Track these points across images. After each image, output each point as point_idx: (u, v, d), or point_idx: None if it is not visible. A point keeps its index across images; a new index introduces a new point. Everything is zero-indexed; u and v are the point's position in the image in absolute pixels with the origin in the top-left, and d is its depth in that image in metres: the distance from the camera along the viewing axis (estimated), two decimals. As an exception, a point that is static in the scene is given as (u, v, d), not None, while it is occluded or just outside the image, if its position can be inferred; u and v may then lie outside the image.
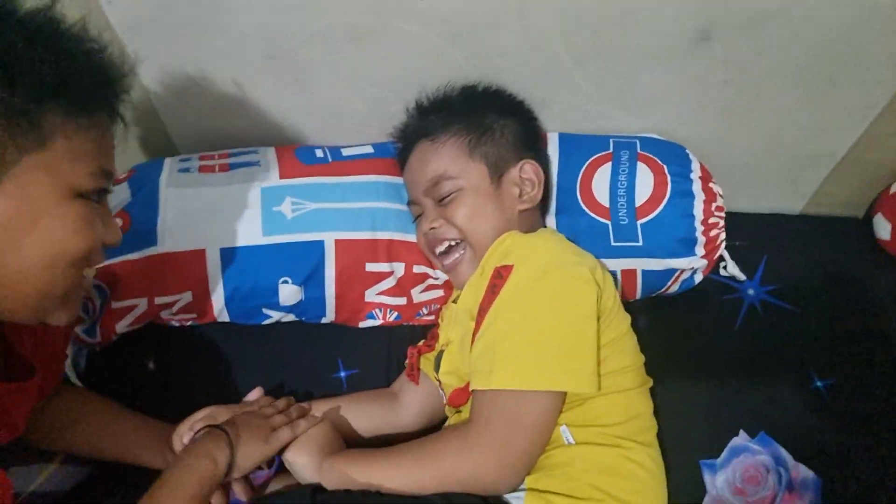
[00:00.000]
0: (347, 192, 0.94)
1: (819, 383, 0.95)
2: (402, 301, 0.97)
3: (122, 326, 0.91)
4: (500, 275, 0.73)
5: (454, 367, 0.82)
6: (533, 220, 0.89)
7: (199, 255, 0.89)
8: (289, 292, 0.93)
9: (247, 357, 0.98)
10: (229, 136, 1.05)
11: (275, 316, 0.96)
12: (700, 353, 0.97)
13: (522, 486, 0.69)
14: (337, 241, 0.92)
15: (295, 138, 1.05)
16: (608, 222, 0.93)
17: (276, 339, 0.99)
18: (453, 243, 0.86)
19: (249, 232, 0.91)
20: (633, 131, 1.01)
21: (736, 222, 0.99)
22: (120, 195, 0.91)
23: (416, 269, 0.94)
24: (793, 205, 1.16)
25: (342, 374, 0.98)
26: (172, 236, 0.89)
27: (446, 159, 0.86)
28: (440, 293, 0.98)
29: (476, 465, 0.67)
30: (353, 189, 0.94)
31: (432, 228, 0.87)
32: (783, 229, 1.11)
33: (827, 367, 0.96)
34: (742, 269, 1.02)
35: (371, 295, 0.96)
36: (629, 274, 0.94)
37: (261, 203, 0.92)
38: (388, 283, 0.95)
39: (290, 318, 0.97)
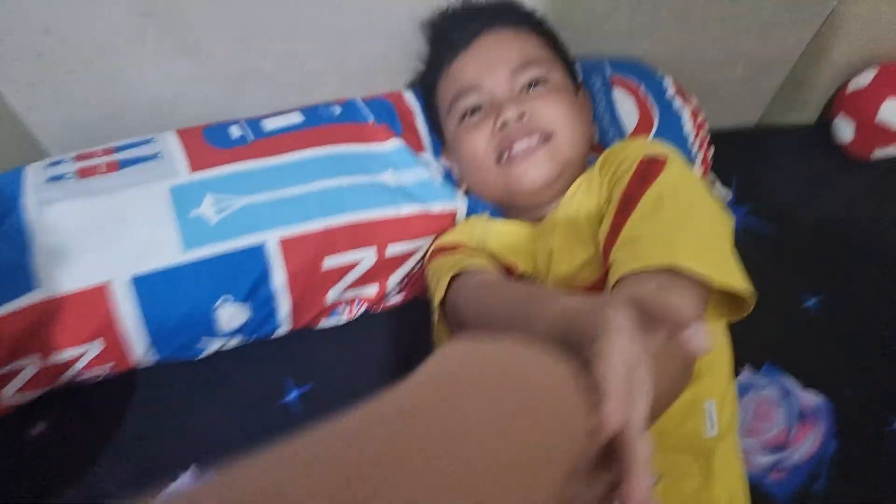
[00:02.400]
0: (284, 176, 0.74)
1: (809, 302, 0.90)
2: (374, 290, 0.80)
3: (7, 396, 0.68)
4: (655, 160, 0.60)
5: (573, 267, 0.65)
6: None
7: (101, 291, 0.67)
8: (230, 314, 0.73)
9: (162, 403, 0.76)
10: (111, 123, 0.81)
11: (215, 345, 0.76)
12: None
13: None
14: (283, 241, 0.72)
15: (197, 116, 0.82)
16: None
17: (203, 371, 0.78)
18: (545, 135, 0.70)
19: (165, 249, 0.69)
20: (583, 55, 0.87)
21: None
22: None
23: (392, 249, 0.77)
24: (750, 117, 1.10)
25: (294, 394, 0.79)
26: (56, 273, 0.66)
27: (534, 48, 0.74)
28: (416, 266, 0.82)
29: None
30: (291, 171, 0.74)
31: (521, 116, 0.69)
32: (746, 145, 1.06)
33: (814, 284, 0.92)
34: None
35: (336, 293, 0.78)
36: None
37: (173, 208, 0.70)
38: (356, 275, 0.77)
39: (237, 341, 0.78)
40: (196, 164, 0.73)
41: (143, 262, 0.68)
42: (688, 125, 0.83)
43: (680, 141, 0.82)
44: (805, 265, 0.94)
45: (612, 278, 0.54)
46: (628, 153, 0.64)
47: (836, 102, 1.04)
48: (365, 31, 0.82)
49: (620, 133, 0.81)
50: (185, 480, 0.70)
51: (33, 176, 0.71)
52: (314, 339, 0.82)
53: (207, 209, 0.71)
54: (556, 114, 0.70)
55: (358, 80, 0.86)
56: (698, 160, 0.83)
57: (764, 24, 0.94)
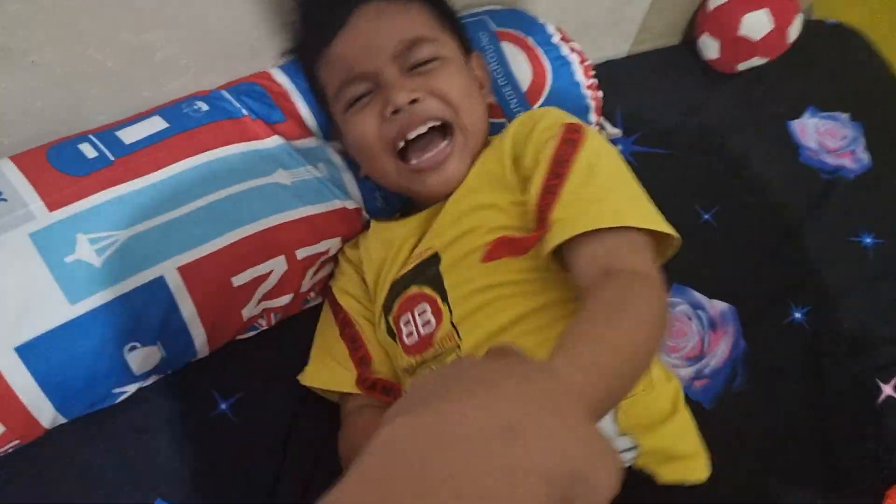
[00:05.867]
0: (165, 198, 0.65)
1: (706, 216, 0.95)
2: (289, 298, 0.75)
3: None
4: (577, 128, 0.62)
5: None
6: None
7: (-16, 371, 0.58)
8: (142, 357, 0.66)
9: (100, 448, 0.69)
10: None
11: (131, 389, 0.69)
12: None
13: (631, 445, 0.59)
14: (181, 269, 0.65)
15: (30, 137, 0.69)
16: (505, 121, 0.78)
17: (129, 408, 0.71)
18: (437, 124, 0.65)
19: (47, 308, 0.60)
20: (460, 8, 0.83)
21: None
22: None
23: (302, 252, 0.71)
24: (618, 49, 1.10)
25: (223, 406, 0.75)
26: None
27: (418, 21, 0.68)
28: (330, 268, 0.78)
29: (659, 287, 0.53)
30: (170, 189, 0.66)
31: (414, 101, 0.64)
32: (619, 75, 1.05)
33: (708, 198, 0.96)
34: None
35: (250, 309, 0.72)
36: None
37: (41, 258, 0.60)
38: (268, 286, 0.72)
39: (154, 379, 0.71)
40: (52, 200, 0.62)
41: (23, 328, 0.59)
42: (578, 72, 0.82)
43: (573, 88, 0.81)
44: (697, 181, 0.97)
45: (561, 235, 0.56)
46: (549, 120, 0.64)
47: (699, 22, 1.06)
48: (219, 7, 0.72)
49: (516, 90, 0.78)
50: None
51: None
52: (234, 351, 0.76)
53: (84, 252, 0.62)
54: (451, 95, 0.65)
55: (219, 64, 0.76)
56: (593, 105, 0.83)
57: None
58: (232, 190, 0.68)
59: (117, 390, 0.68)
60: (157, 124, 0.70)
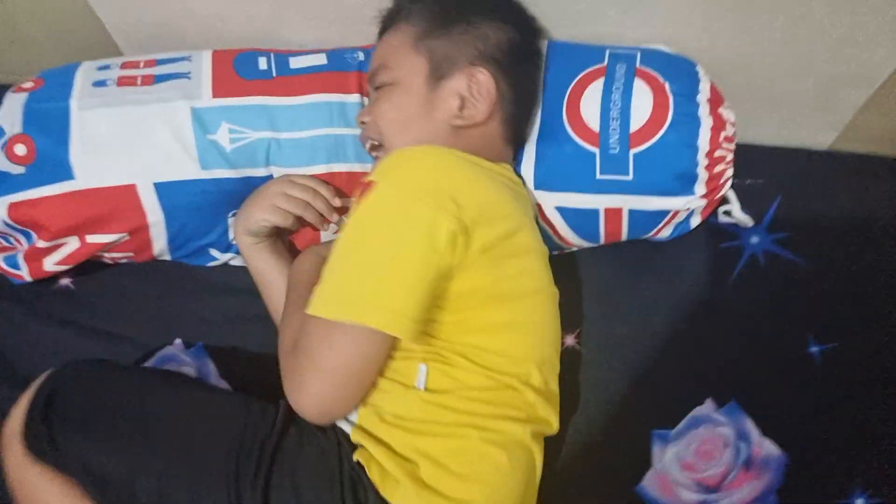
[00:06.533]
0: (296, 118, 0.81)
1: (814, 348, 0.84)
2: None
3: (51, 263, 0.81)
4: (368, 184, 0.63)
5: None
6: (479, 144, 0.73)
7: (130, 190, 0.78)
8: (236, 230, 0.83)
9: (178, 294, 0.89)
10: (168, 30, 0.90)
11: (221, 258, 0.87)
12: (681, 309, 0.87)
13: (354, 418, 0.65)
14: (280, 177, 0.81)
15: (241, 36, 0.89)
16: (596, 150, 0.80)
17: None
18: (376, 143, 0.76)
19: (185, 164, 0.79)
20: (635, 40, 0.85)
21: (749, 156, 0.85)
22: (16, 112, 0.77)
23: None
24: (821, 139, 0.99)
25: None
26: (91, 169, 0.77)
27: (390, 48, 0.76)
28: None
29: (292, 388, 0.62)
30: (302, 114, 0.81)
31: (362, 123, 0.77)
32: (805, 167, 0.94)
33: (829, 330, 0.85)
34: (749, 213, 0.87)
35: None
36: (613, 214, 0.82)
37: (192, 129, 0.79)
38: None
39: (238, 261, 0.88)
40: (219, 90, 0.80)
41: (165, 171, 0.78)
42: (704, 136, 0.78)
43: (687, 151, 0.78)
44: (828, 307, 0.86)
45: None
46: (382, 166, 0.65)
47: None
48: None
49: (623, 125, 0.79)
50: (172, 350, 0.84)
51: (83, 77, 0.81)
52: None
53: (223, 136, 0.79)
54: (386, 118, 0.73)
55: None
56: (703, 176, 0.80)
57: (840, 37, 0.85)
58: (340, 131, 0.81)
59: (213, 252, 0.86)
60: (318, 60, 0.85)
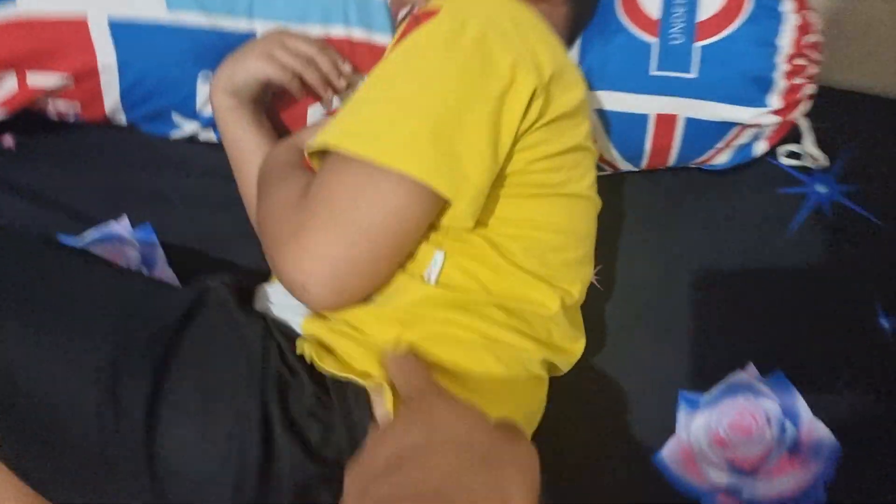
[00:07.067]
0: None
1: (884, 321, 0.71)
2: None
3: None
4: (418, 20, 0.48)
5: None
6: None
7: (80, 24, 0.65)
8: (206, 97, 0.69)
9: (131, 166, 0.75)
10: None
11: (187, 128, 0.73)
12: (724, 258, 0.74)
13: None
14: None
15: None
16: (653, 41, 0.66)
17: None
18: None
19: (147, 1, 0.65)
20: None
21: (822, 99, 0.72)
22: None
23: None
24: None
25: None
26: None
27: None
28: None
29: (291, 249, 0.45)
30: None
31: None
32: (886, 118, 0.83)
33: None
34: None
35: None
36: (666, 122, 0.68)
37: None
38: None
39: (210, 136, 0.74)
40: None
41: (123, 5, 0.65)
42: (786, 35, 0.65)
43: (762, 48, 0.65)
44: (893, 275, 0.74)
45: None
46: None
47: None
48: None
49: (690, 14, 0.65)
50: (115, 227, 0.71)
51: None
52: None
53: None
54: None
55: None
56: (779, 86, 0.66)
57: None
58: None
59: (176, 118, 0.72)
60: None
